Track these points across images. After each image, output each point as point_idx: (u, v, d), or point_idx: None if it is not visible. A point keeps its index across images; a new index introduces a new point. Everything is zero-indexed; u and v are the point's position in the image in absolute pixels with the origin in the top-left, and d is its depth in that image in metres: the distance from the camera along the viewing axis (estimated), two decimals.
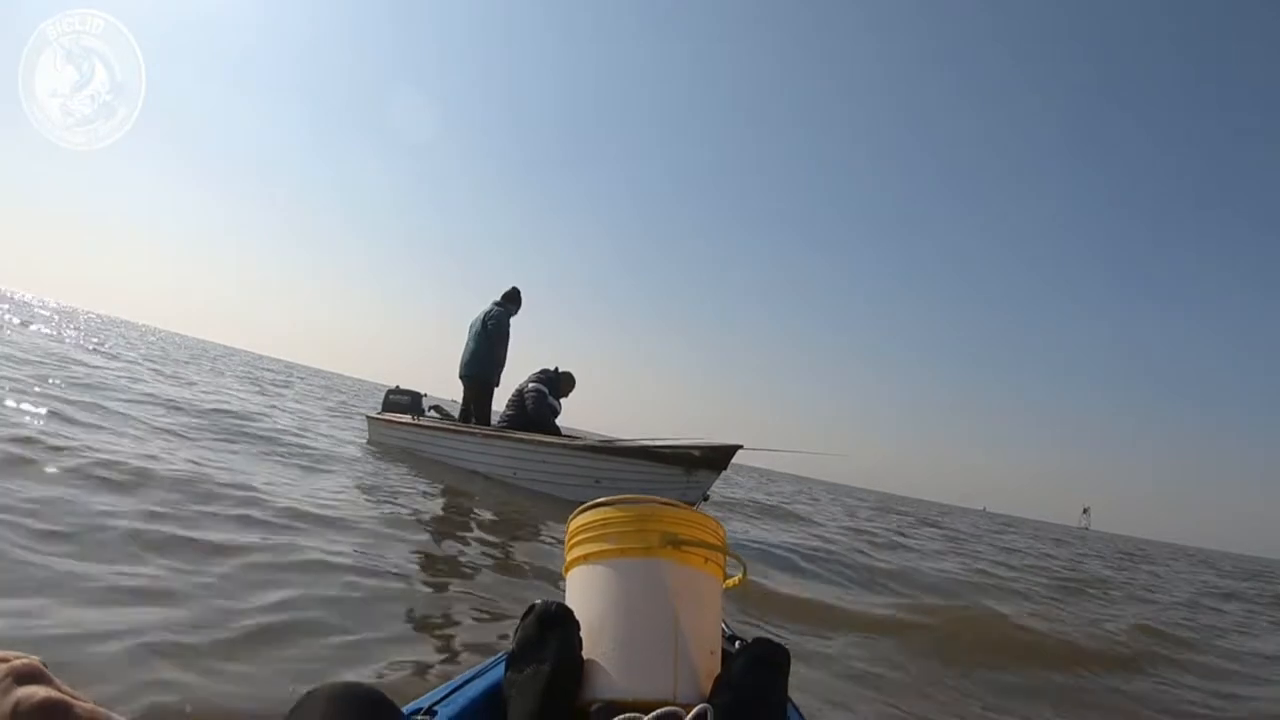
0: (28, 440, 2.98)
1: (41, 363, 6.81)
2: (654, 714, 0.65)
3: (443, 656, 1.75)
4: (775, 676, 0.73)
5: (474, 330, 6.17)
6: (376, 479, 4.63)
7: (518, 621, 0.80)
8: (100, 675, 1.28)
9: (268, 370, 25.70)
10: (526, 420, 5.71)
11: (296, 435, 6.00)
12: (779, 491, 15.53)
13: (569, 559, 0.85)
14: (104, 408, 4.59)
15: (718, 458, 4.90)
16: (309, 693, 0.66)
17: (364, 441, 6.93)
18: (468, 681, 0.83)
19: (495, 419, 6.14)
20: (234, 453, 4.24)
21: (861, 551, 5.75)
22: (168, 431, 4.36)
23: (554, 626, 0.76)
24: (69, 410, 4.08)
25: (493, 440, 5.59)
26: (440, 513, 3.98)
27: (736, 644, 0.92)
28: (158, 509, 2.50)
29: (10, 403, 3.88)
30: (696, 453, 4.85)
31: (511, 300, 6.25)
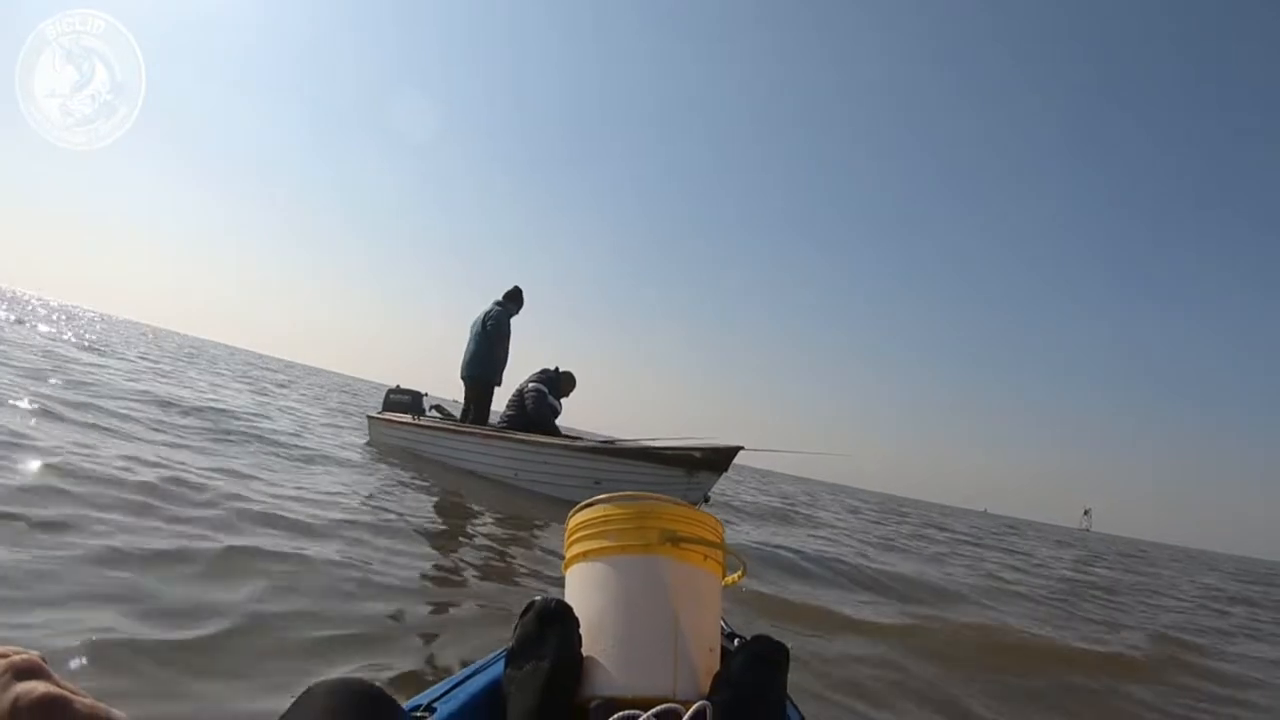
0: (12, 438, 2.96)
1: (38, 361, 6.80)
2: (653, 711, 0.65)
3: (442, 653, 1.75)
4: (774, 674, 0.73)
5: (474, 330, 6.16)
6: (375, 479, 4.63)
7: (517, 618, 0.80)
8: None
9: (267, 369, 25.67)
10: (526, 420, 5.70)
11: (294, 435, 6.00)
12: (780, 492, 15.51)
13: (568, 556, 0.85)
14: (97, 407, 4.57)
15: (719, 459, 4.90)
16: (309, 688, 0.66)
17: (364, 442, 6.93)
18: (467, 678, 0.83)
19: (496, 419, 6.14)
20: (231, 454, 4.21)
21: (865, 555, 5.72)
22: (160, 431, 4.34)
23: (553, 623, 0.76)
24: (60, 409, 4.06)
25: (493, 441, 5.58)
26: (440, 512, 3.98)
27: (735, 641, 0.92)
28: (151, 502, 2.50)
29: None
30: (698, 454, 4.85)
31: (513, 299, 6.24)
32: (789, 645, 0.76)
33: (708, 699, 0.68)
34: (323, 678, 0.66)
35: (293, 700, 0.65)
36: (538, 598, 0.79)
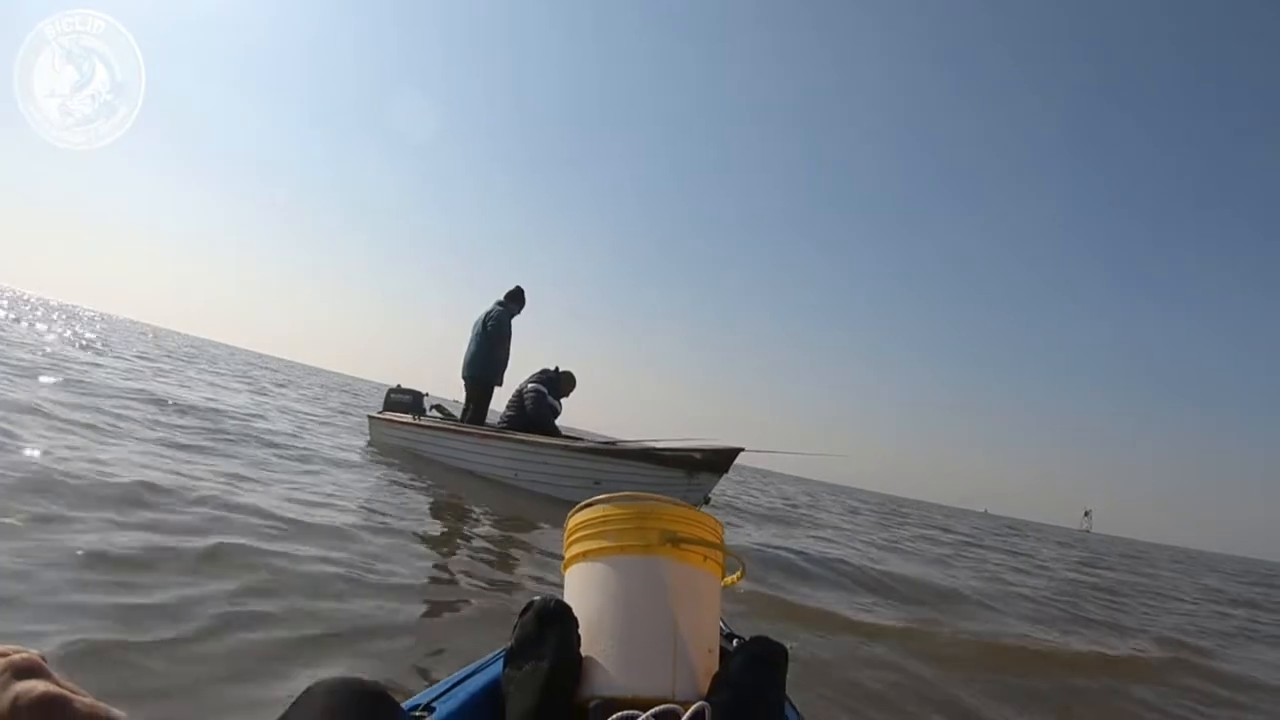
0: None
1: (33, 359, 6.80)
2: (652, 711, 0.65)
3: (441, 652, 1.75)
4: (773, 675, 0.73)
5: (475, 330, 6.16)
6: (374, 479, 4.62)
7: (516, 618, 0.80)
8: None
9: (267, 369, 25.65)
10: (526, 420, 5.70)
11: (292, 435, 6.00)
12: (780, 493, 15.50)
13: (568, 556, 0.85)
14: (90, 406, 4.54)
15: (719, 460, 4.89)
16: (309, 687, 0.66)
17: (364, 442, 6.92)
18: (466, 678, 0.83)
19: (497, 419, 6.14)
20: (228, 454, 4.19)
21: (866, 556, 5.69)
22: (155, 430, 4.31)
23: (553, 623, 0.76)
24: (51, 408, 4.03)
25: (493, 441, 5.58)
26: (439, 512, 3.97)
27: (734, 642, 0.92)
28: (139, 500, 2.49)
29: None
30: (698, 455, 4.84)
31: (514, 299, 6.23)
32: (788, 646, 0.76)
33: (706, 699, 0.68)
34: (321, 677, 0.67)
35: (292, 700, 0.65)
36: (537, 598, 0.79)
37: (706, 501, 5.09)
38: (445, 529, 3.53)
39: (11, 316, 15.62)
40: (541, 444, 5.28)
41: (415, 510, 3.71)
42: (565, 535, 0.86)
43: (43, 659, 0.38)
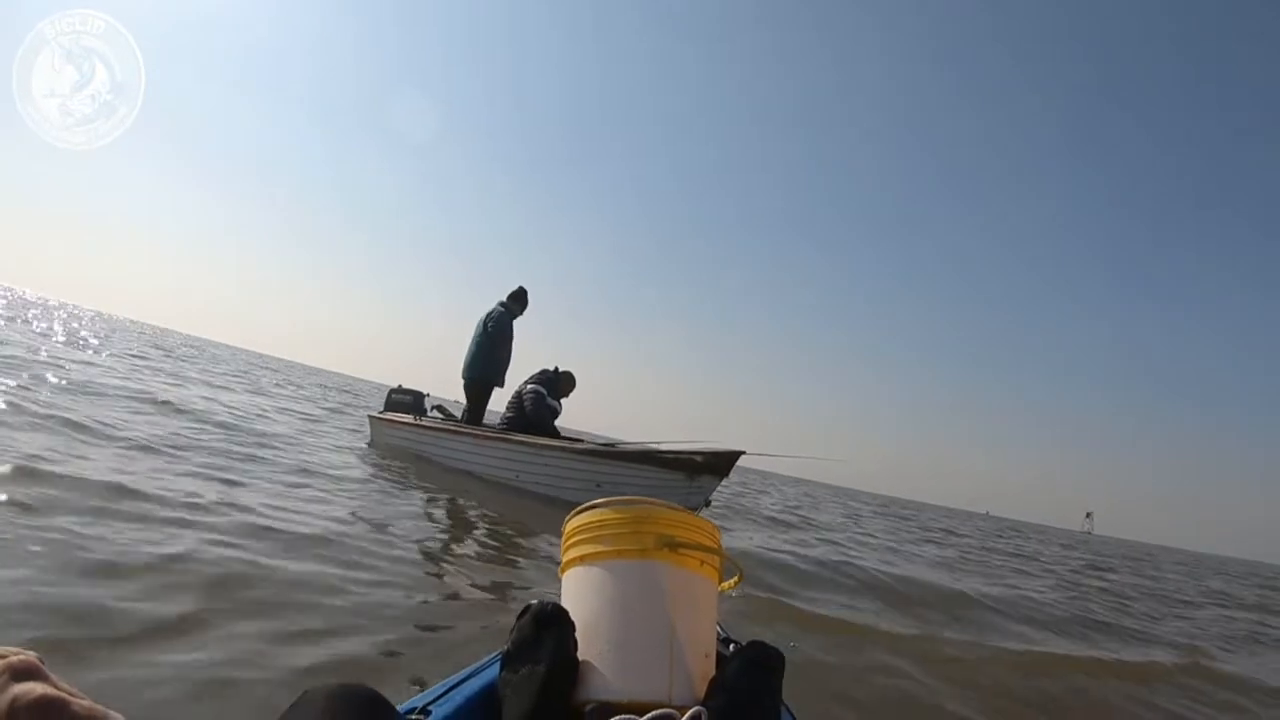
0: None
1: (27, 358, 6.79)
2: (648, 716, 0.65)
3: (437, 655, 1.74)
4: (769, 679, 0.73)
5: (476, 331, 6.16)
6: (373, 479, 4.62)
7: (514, 621, 0.80)
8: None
9: (267, 369, 25.67)
10: (525, 421, 5.70)
11: (292, 435, 6.00)
12: (781, 495, 15.48)
13: (565, 560, 0.85)
14: (82, 406, 4.50)
15: (720, 464, 4.88)
16: (305, 692, 0.66)
17: (365, 443, 6.92)
18: (463, 681, 0.83)
19: (497, 420, 6.14)
20: (226, 455, 4.18)
21: (868, 559, 5.62)
22: (148, 431, 4.27)
23: (550, 627, 0.76)
24: (39, 408, 3.97)
25: (494, 442, 5.58)
26: (439, 513, 3.96)
27: (731, 647, 0.92)
28: (122, 506, 2.49)
29: None
30: (699, 458, 4.83)
31: (517, 300, 6.22)
32: (791, 645, 0.76)
33: (703, 704, 0.68)
34: (315, 682, 0.67)
35: (289, 705, 0.65)
36: (534, 601, 0.79)
37: (707, 504, 5.08)
38: (443, 531, 3.52)
39: (9, 315, 15.61)
40: (542, 446, 5.28)
41: (413, 511, 3.70)
42: (562, 539, 0.86)
43: (41, 661, 0.38)
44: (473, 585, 2.50)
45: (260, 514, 2.81)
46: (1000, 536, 17.39)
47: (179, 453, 3.80)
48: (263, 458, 4.35)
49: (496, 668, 0.81)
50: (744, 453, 4.90)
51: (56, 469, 2.66)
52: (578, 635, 0.76)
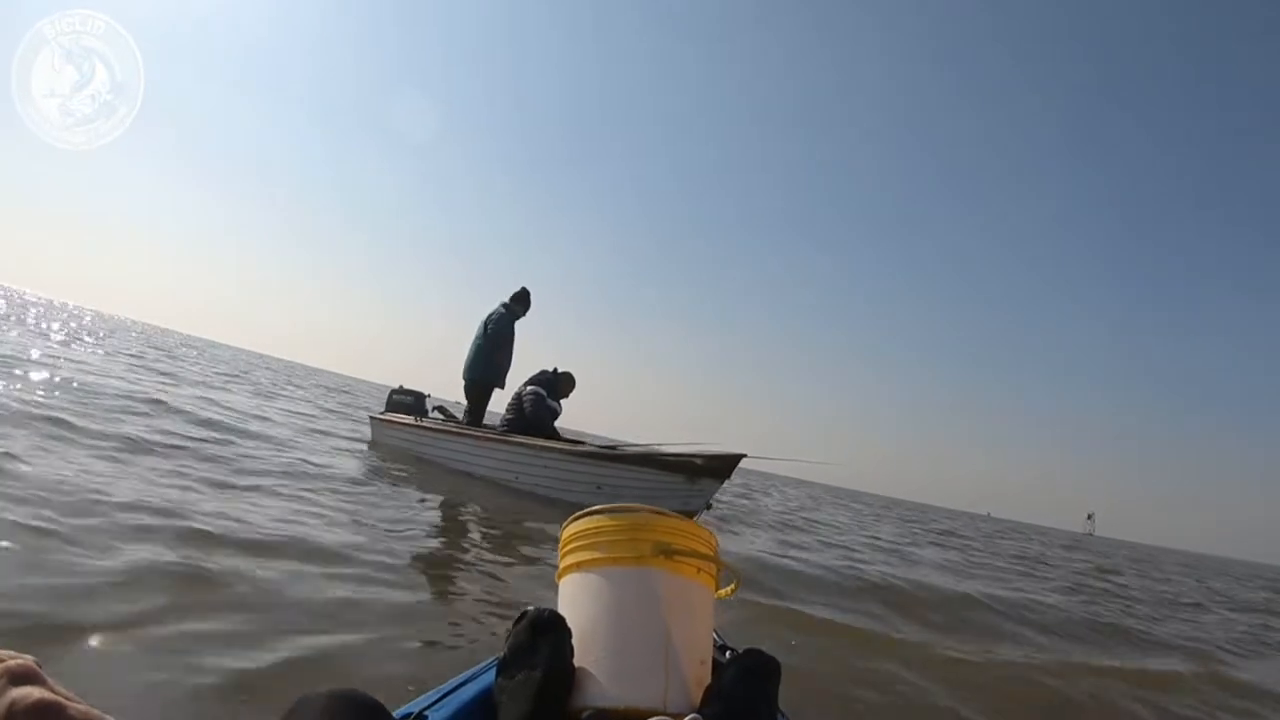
0: None
1: (20, 357, 6.79)
2: None
3: (433, 660, 1.73)
4: (765, 687, 0.73)
5: (476, 332, 6.16)
6: (373, 480, 4.61)
7: (509, 627, 0.80)
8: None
9: (267, 369, 25.68)
10: (525, 423, 5.70)
11: (291, 436, 6.00)
12: (782, 496, 15.44)
13: (562, 566, 0.85)
14: (73, 407, 4.45)
15: (721, 467, 4.86)
16: (301, 698, 0.66)
17: (365, 444, 6.92)
18: (459, 686, 0.83)
19: (497, 421, 6.14)
20: (224, 456, 4.17)
21: (873, 562, 5.55)
22: (141, 432, 4.23)
23: (546, 633, 0.76)
24: (27, 409, 3.93)
25: (495, 444, 5.57)
26: (437, 515, 3.95)
27: (728, 654, 0.92)
28: (112, 511, 2.48)
29: None
30: (700, 461, 4.81)
31: (519, 301, 6.22)
32: (780, 658, 0.76)
33: (699, 711, 0.68)
34: (311, 688, 0.67)
35: (286, 710, 0.65)
36: (530, 607, 0.79)
37: (708, 507, 5.06)
38: (440, 534, 3.49)
39: (7, 315, 15.61)
40: (543, 448, 5.27)
41: (411, 514, 3.68)
42: (560, 545, 0.86)
43: (38, 665, 0.39)
44: (469, 590, 2.48)
45: (256, 516, 2.81)
46: (1003, 538, 17.33)
47: (170, 452, 3.78)
48: (260, 459, 4.32)
49: (492, 673, 0.81)
50: (745, 455, 4.89)
51: (26, 468, 2.65)
52: (574, 642, 0.76)
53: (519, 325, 6.21)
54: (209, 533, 2.36)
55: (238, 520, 2.62)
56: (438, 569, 2.71)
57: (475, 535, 3.61)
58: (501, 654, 0.79)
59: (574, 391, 6.08)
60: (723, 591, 0.87)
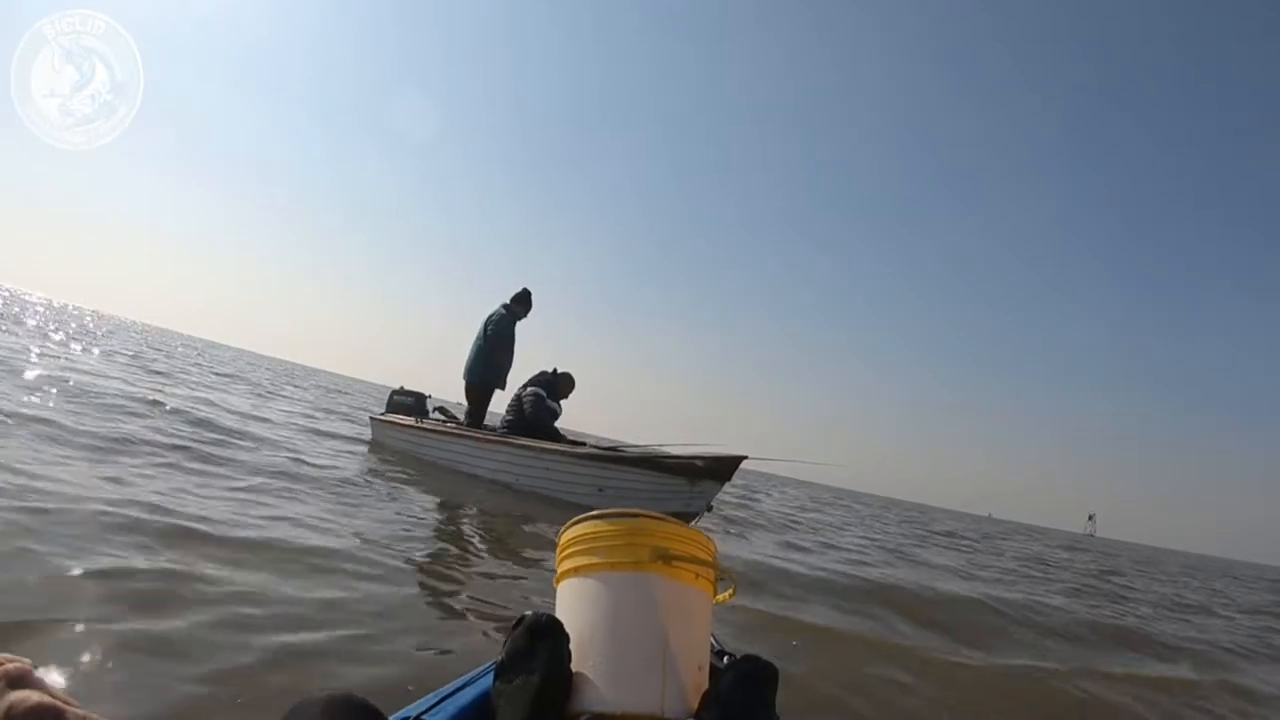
0: None
1: (13, 358, 6.77)
2: None
3: (430, 665, 1.72)
4: (763, 693, 0.73)
5: (477, 333, 6.16)
6: (373, 482, 4.60)
7: (507, 632, 0.80)
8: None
9: (267, 370, 25.69)
10: (525, 424, 5.70)
11: (290, 437, 6.00)
12: (784, 497, 15.43)
13: (560, 571, 0.85)
14: (65, 409, 4.44)
15: (722, 469, 4.86)
16: (297, 703, 0.66)
17: (365, 445, 6.91)
18: (456, 691, 0.83)
19: (497, 422, 6.14)
20: (220, 458, 4.15)
21: (876, 564, 5.51)
22: (135, 431, 4.22)
23: (543, 638, 0.76)
24: (18, 411, 3.91)
25: (496, 446, 5.57)
26: (436, 518, 3.93)
27: (726, 659, 0.91)
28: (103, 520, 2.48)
29: None
30: (700, 463, 4.80)
31: (520, 302, 6.21)
32: (779, 664, 0.76)
33: (696, 717, 0.68)
34: (306, 693, 0.66)
35: (282, 717, 0.65)
36: (528, 612, 0.79)
37: (709, 509, 5.06)
38: (440, 537, 3.46)
39: (5, 315, 15.61)
40: (544, 450, 5.27)
41: (411, 516, 3.67)
42: (557, 550, 0.86)
43: (36, 669, 0.39)
44: (467, 594, 2.47)
45: (253, 517, 2.80)
46: (1005, 539, 17.31)
47: (166, 453, 3.76)
48: (257, 460, 4.31)
49: (490, 678, 0.81)
50: (746, 458, 4.89)
51: (16, 469, 2.64)
52: (572, 647, 0.76)
53: (520, 326, 6.21)
54: (202, 533, 2.35)
55: (232, 522, 2.62)
56: (435, 572, 2.69)
57: (474, 538, 3.59)
58: (499, 658, 0.79)
59: (574, 392, 6.09)
60: (721, 597, 0.87)
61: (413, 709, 0.77)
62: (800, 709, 1.92)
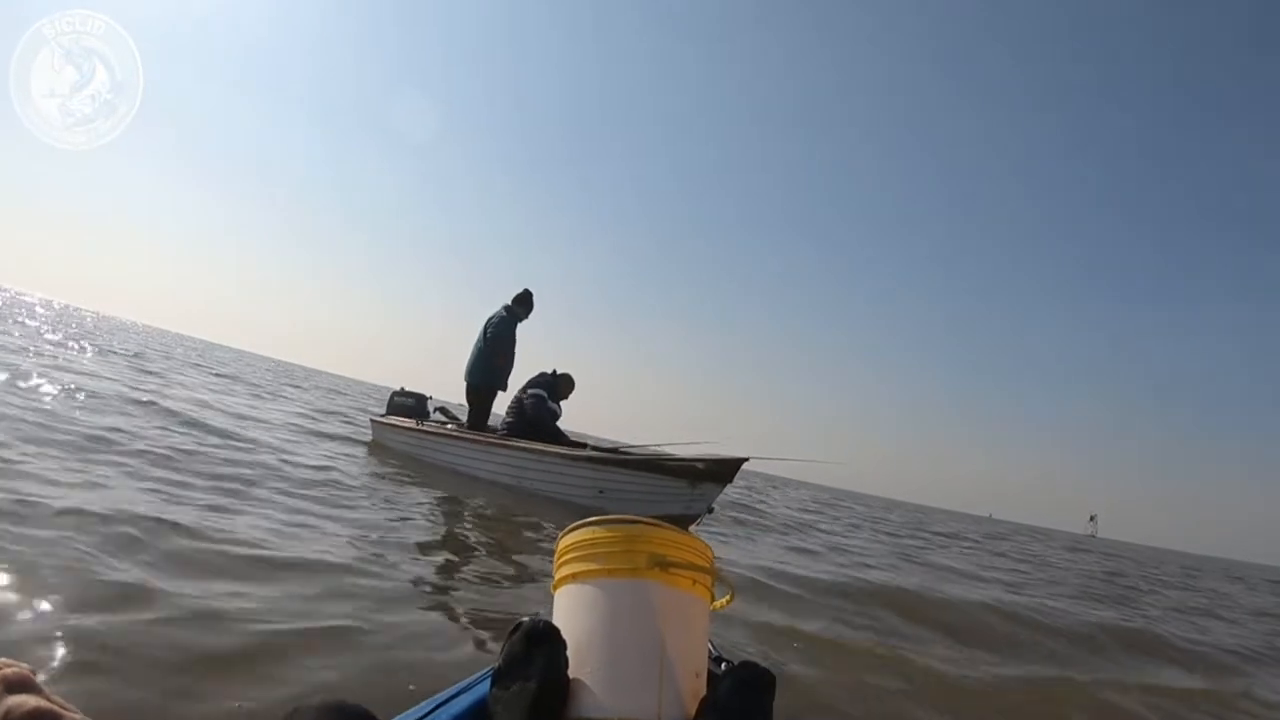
0: None
1: (19, 361, 6.77)
2: None
3: (427, 671, 1.70)
4: (760, 700, 0.72)
5: (478, 335, 6.16)
6: (373, 484, 4.60)
7: (504, 638, 0.80)
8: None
9: (267, 371, 25.68)
10: (526, 425, 5.70)
11: (290, 438, 6.00)
12: (784, 499, 15.39)
13: (557, 577, 0.85)
14: (57, 410, 4.43)
15: (723, 471, 4.85)
16: (294, 709, 0.65)
17: (365, 448, 6.90)
18: (453, 697, 0.82)
19: (498, 422, 6.14)
20: (219, 461, 4.14)
21: (879, 567, 5.43)
22: (131, 434, 4.23)
23: (541, 644, 0.75)
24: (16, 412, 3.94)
25: (497, 448, 5.57)
26: (435, 521, 3.91)
27: (723, 666, 0.91)
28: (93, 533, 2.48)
29: None
30: (701, 465, 4.80)
31: (521, 304, 6.21)
32: (777, 671, 0.75)
33: None
34: (303, 700, 0.66)
35: None
36: (525, 618, 0.79)
37: (710, 511, 5.05)
38: (438, 542, 3.42)
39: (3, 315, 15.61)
40: (545, 452, 5.27)
41: (410, 520, 3.65)
42: (555, 556, 0.86)
43: (34, 673, 0.39)
44: (464, 599, 2.45)
45: (250, 519, 2.80)
46: (1006, 540, 17.27)
47: (162, 454, 3.75)
48: (255, 462, 4.30)
49: (487, 684, 0.80)
50: (747, 459, 4.88)
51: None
52: (569, 653, 0.75)
53: (520, 327, 6.21)
54: (198, 534, 2.35)
55: (228, 524, 2.61)
56: (433, 577, 2.67)
57: (472, 543, 3.55)
58: (496, 664, 0.78)
59: (573, 393, 6.09)
60: (718, 603, 0.87)
61: (409, 715, 0.77)
62: (798, 715, 1.91)
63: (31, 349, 8.57)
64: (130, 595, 1.72)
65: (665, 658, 0.73)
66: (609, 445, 5.73)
